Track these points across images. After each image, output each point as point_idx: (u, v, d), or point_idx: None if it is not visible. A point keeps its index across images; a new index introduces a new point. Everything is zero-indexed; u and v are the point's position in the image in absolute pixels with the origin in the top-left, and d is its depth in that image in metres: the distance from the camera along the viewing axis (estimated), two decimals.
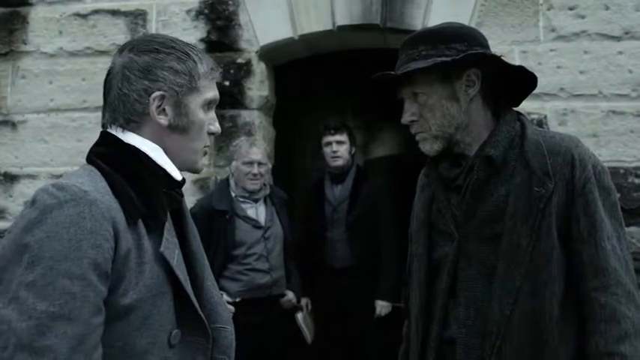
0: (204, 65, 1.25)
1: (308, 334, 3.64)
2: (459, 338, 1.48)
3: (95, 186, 1.09)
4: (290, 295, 3.45)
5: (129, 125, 1.20)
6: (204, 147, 1.28)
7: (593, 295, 1.40)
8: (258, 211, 3.35)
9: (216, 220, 3.19)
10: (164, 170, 1.21)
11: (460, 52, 1.47)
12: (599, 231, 1.42)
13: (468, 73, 1.50)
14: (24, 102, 4.00)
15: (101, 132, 1.24)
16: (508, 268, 1.42)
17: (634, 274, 1.43)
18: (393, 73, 1.50)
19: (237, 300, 3.12)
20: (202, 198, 3.51)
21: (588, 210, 1.42)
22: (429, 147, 1.54)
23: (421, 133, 1.55)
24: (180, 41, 1.26)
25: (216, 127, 1.30)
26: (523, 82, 1.58)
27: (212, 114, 1.30)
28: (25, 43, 4.03)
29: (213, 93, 1.28)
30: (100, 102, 1.28)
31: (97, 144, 1.22)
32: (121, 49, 1.24)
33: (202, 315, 1.21)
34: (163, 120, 1.20)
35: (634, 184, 3.43)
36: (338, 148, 3.71)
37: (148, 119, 1.20)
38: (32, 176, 3.97)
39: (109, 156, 1.17)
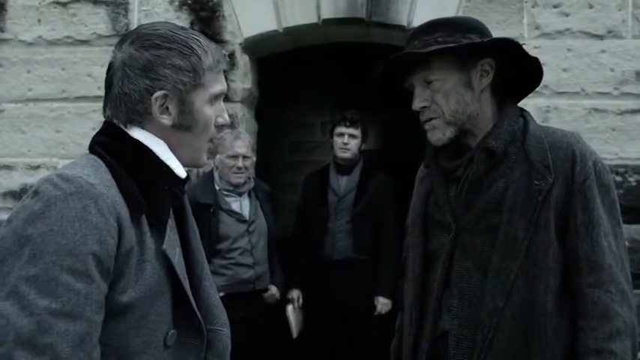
0: (210, 58, 1.18)
1: (294, 328, 3.62)
2: (452, 330, 1.47)
3: (101, 178, 1.05)
4: (273, 290, 3.43)
5: (131, 123, 1.16)
6: (209, 140, 1.24)
7: (586, 291, 1.40)
8: (242, 205, 3.32)
9: (200, 213, 3.13)
10: (167, 166, 1.17)
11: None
12: (597, 227, 1.41)
13: (482, 62, 1.50)
14: (1, 91, 3.89)
15: (104, 122, 1.19)
16: (503, 260, 1.41)
17: (629, 274, 1.43)
18: (417, 52, 1.45)
19: (221, 295, 3.08)
20: (186, 191, 3.46)
21: (587, 206, 1.42)
22: (441, 135, 1.50)
23: (433, 120, 1.51)
24: (184, 32, 1.18)
25: (224, 118, 1.25)
26: (528, 77, 1.58)
27: (220, 105, 1.24)
28: (3, 31, 3.92)
29: (220, 87, 1.22)
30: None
31: (99, 133, 1.18)
32: (121, 42, 1.18)
33: (199, 316, 1.18)
34: (166, 120, 1.16)
35: (615, 182, 3.46)
36: (349, 141, 3.72)
37: (151, 118, 1.15)
38: (9, 167, 3.87)
39: (113, 148, 1.13)
